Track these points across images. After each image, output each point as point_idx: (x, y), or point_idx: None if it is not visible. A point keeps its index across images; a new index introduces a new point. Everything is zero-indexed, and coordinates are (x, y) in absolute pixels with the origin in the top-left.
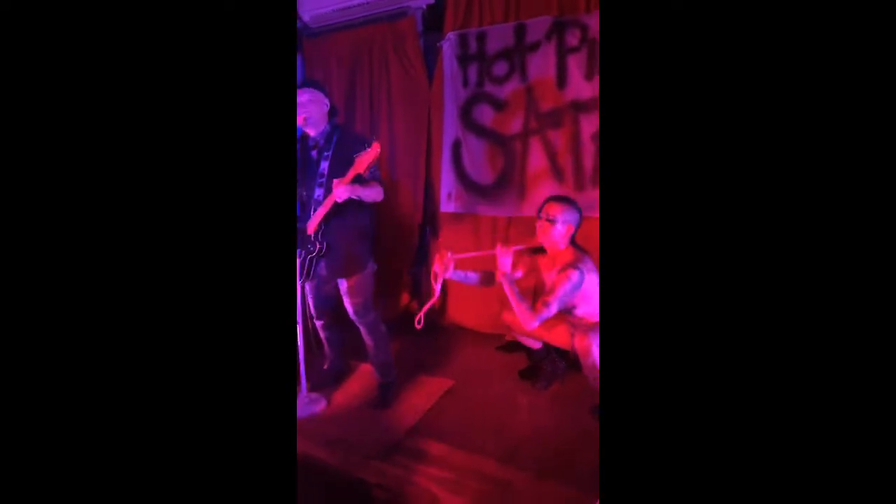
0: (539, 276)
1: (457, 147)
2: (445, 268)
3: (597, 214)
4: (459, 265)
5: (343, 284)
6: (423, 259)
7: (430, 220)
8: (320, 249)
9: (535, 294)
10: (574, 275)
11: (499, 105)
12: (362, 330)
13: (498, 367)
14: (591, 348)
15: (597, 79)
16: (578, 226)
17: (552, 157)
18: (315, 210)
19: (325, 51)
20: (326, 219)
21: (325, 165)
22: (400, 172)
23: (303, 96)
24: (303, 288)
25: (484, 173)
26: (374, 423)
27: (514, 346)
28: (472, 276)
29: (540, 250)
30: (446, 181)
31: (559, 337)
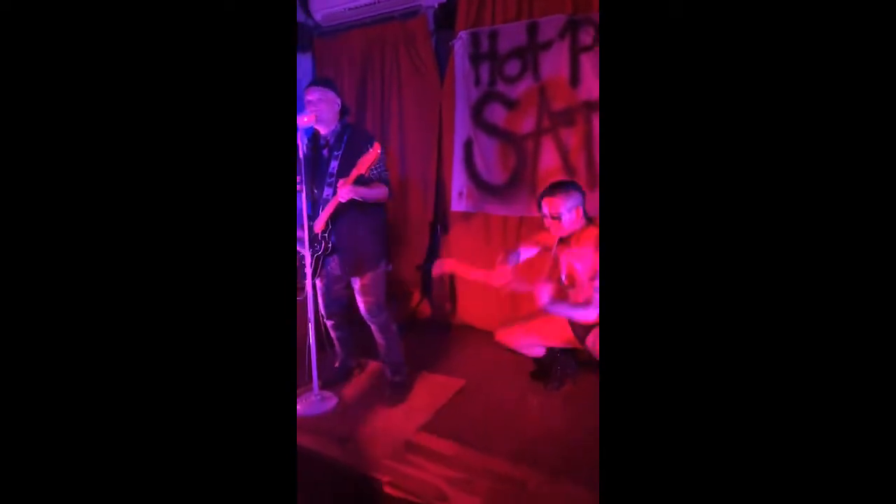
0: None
1: (468, 146)
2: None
3: None
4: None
5: (356, 283)
6: (434, 258)
7: (441, 219)
8: (326, 248)
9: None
10: None
11: (511, 104)
12: (374, 329)
13: (510, 368)
14: None
15: None
16: (584, 200)
17: (564, 156)
18: (324, 208)
19: (337, 50)
20: (333, 218)
21: (334, 164)
22: (411, 171)
23: (313, 95)
24: (314, 286)
25: (496, 173)
26: (385, 422)
27: None
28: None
29: (563, 240)
30: (457, 180)
31: (556, 336)
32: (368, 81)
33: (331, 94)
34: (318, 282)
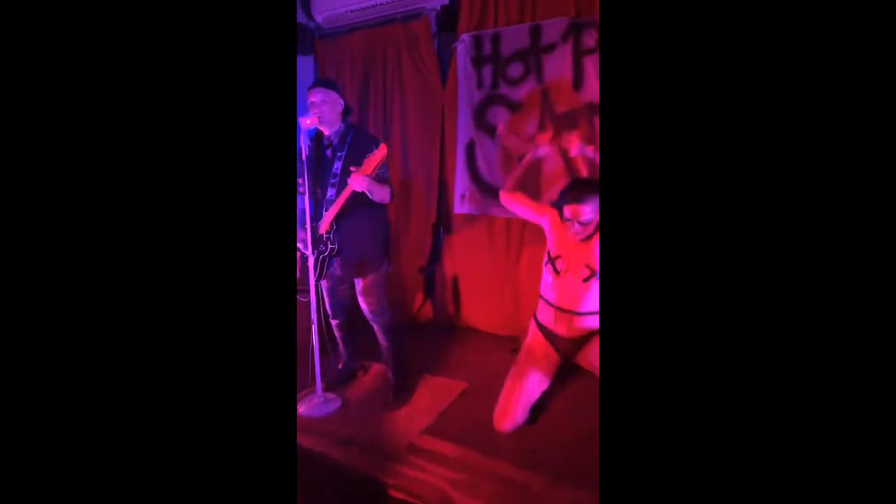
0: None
1: (471, 148)
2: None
3: None
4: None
5: (359, 284)
6: (436, 260)
7: (444, 222)
8: (331, 249)
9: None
10: None
11: (514, 107)
12: (377, 330)
13: None
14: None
15: None
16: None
17: (567, 159)
18: (328, 209)
19: (339, 52)
20: (338, 218)
21: (338, 165)
22: (413, 174)
23: (316, 96)
24: (318, 288)
25: (498, 175)
26: (388, 424)
27: None
28: None
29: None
30: (460, 183)
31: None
32: (371, 84)
33: (334, 95)
34: (323, 283)
